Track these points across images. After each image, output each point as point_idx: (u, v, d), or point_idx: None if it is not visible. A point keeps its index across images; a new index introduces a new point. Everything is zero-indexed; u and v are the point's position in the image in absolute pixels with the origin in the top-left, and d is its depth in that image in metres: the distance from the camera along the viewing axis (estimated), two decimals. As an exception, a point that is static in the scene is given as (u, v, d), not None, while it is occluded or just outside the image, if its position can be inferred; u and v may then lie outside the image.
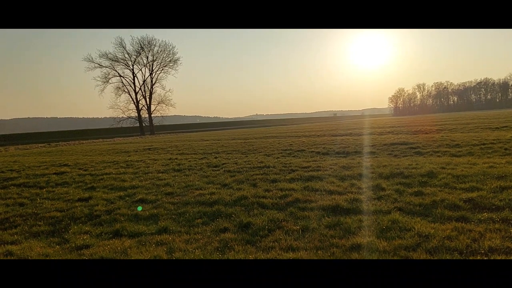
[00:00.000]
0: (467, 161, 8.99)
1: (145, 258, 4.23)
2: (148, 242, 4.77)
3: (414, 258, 3.70)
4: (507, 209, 4.96)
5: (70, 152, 23.66)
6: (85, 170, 12.45)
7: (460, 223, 4.58)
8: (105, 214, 6.37)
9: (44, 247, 4.89)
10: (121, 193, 7.92)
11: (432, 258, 3.65)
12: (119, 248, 4.62)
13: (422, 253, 3.78)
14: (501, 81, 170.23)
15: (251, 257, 4.05)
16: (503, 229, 4.27)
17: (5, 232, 5.74)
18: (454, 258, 3.49)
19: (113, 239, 5.02)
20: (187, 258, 4.15)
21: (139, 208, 5.90)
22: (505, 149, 10.83)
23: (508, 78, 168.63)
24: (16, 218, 6.47)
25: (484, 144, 12.30)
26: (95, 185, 9.30)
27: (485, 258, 3.55)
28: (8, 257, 4.59)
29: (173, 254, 4.28)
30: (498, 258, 3.53)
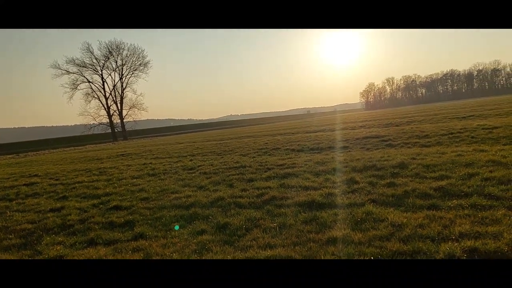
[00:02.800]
0: (436, 151, 9.26)
1: (145, 259, 4.18)
2: (124, 249, 4.69)
3: (388, 247, 3.79)
4: (475, 195, 5.14)
5: (40, 162, 22.97)
6: (57, 180, 12.12)
7: (431, 211, 4.72)
8: (79, 223, 6.21)
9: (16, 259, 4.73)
10: (95, 201, 7.75)
11: (431, 259, 3.73)
12: (94, 256, 4.52)
13: (396, 242, 3.87)
14: (466, 72, 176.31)
15: (229, 257, 4.05)
16: (472, 215, 4.42)
17: (-27, 248, 5.52)
18: (454, 258, 3.57)
19: (88, 248, 4.90)
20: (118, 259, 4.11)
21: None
22: (472, 137, 11.22)
23: (473, 68, 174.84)
24: (-15, 233, 6.23)
25: (452, 133, 12.71)
26: (67, 194, 9.06)
27: (485, 258, 3.62)
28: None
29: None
30: (469, 243, 3.65)
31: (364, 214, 4.82)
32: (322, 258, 3.74)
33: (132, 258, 4.34)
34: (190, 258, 4.11)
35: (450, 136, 12.15)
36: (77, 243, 5.16)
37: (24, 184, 11.69)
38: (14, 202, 8.86)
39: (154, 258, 4.27)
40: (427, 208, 4.86)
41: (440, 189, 5.62)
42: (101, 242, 5.10)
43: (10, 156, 38.85)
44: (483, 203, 4.75)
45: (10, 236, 5.87)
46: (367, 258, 3.64)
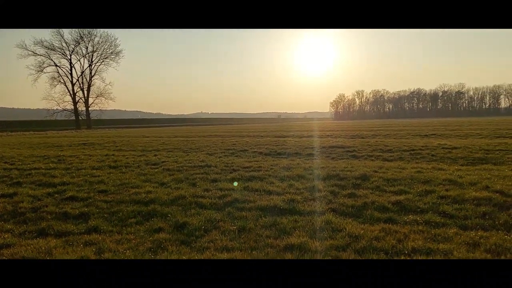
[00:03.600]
0: (397, 166, 9.52)
1: (145, 258, 4.04)
2: (76, 242, 4.50)
3: (343, 258, 3.83)
4: (430, 212, 5.30)
5: (-4, 145, 21.90)
6: (12, 164, 11.59)
7: (387, 224, 4.82)
8: (31, 211, 5.93)
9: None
10: (50, 190, 7.43)
11: (431, 258, 3.78)
12: (43, 248, 4.31)
13: (351, 253, 3.92)
14: (432, 92, 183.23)
15: (184, 257, 3.97)
16: (425, 231, 4.54)
17: None
18: (454, 258, 3.61)
19: (38, 238, 4.68)
20: (117, 258, 3.99)
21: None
22: (432, 155, 11.61)
23: (438, 89, 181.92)
24: None
25: (413, 150, 13.12)
26: (21, 180, 8.66)
27: (486, 258, 3.72)
28: None
29: (102, 255, 4.08)
30: (420, 258, 3.75)
31: (323, 223, 4.86)
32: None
33: (131, 259, 4.19)
34: (190, 259, 4.02)
35: (412, 152, 12.52)
36: (26, 232, 4.93)
37: (-25, 166, 11.09)
38: (-39, 184, 8.37)
39: (106, 254, 4.13)
40: (384, 221, 4.96)
41: (398, 204, 5.75)
42: (52, 233, 4.88)
43: (-36, 135, 36.83)
44: (437, 220, 4.90)
45: (-46, 221, 5.52)
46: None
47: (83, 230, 4.95)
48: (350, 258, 3.82)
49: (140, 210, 5.80)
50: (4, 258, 4.16)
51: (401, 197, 6.06)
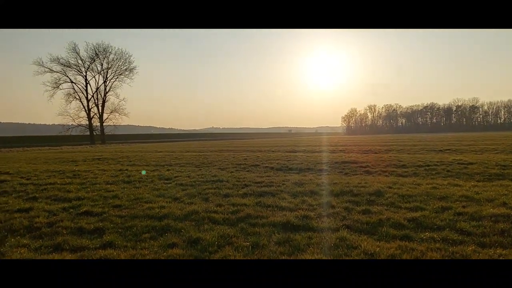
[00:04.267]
0: (412, 182, 9.40)
1: (145, 259, 4.06)
2: (91, 257, 4.54)
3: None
4: (447, 229, 5.21)
5: (13, 160, 22.31)
6: (28, 179, 11.76)
7: (404, 241, 4.75)
8: (46, 226, 6.00)
9: (-26, 261, 4.51)
10: (65, 205, 7.51)
11: (431, 259, 3.73)
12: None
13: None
14: (445, 106, 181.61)
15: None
16: (443, 248, 4.46)
17: None
18: (454, 258, 3.55)
19: (54, 253, 4.73)
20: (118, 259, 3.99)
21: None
22: (448, 171, 11.45)
23: (452, 104, 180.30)
24: None
25: (428, 165, 12.95)
26: (37, 195, 8.78)
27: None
28: None
29: (116, 271, 4.10)
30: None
31: (338, 240, 4.81)
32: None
33: (131, 259, 4.23)
34: (189, 259, 4.03)
35: (427, 168, 12.37)
36: (42, 247, 4.96)
37: (-8, 181, 11.29)
38: (-21, 199, 8.52)
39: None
40: (400, 239, 4.88)
41: (413, 220, 5.67)
42: (67, 248, 4.92)
43: (-19, 150, 37.61)
44: (455, 238, 4.81)
45: (-28, 235, 5.61)
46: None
47: (98, 245, 4.97)
48: (352, 258, 3.76)
49: (153, 225, 5.82)
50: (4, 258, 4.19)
51: (417, 214, 5.98)
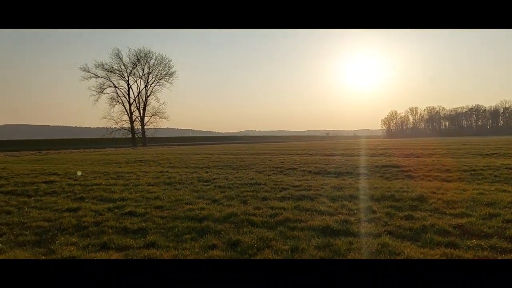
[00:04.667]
0: (457, 187, 9.05)
1: (145, 259, 4.17)
2: (136, 256, 4.69)
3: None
4: (495, 236, 4.98)
5: (61, 161, 23.44)
6: (75, 180, 12.32)
7: (449, 249, 4.58)
8: (93, 225, 6.26)
9: (30, 257, 4.78)
10: (110, 205, 7.82)
11: (431, 259, 3.63)
12: (105, 261, 4.53)
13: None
14: (492, 108, 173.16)
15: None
16: (491, 257, 4.28)
17: (-10, 240, 5.62)
18: (454, 258, 3.46)
19: (100, 252, 4.93)
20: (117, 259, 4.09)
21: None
22: (495, 176, 10.93)
23: (499, 105, 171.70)
24: (2, 227, 6.34)
25: (474, 170, 12.42)
26: (84, 195, 9.19)
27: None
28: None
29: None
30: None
31: (379, 246, 4.70)
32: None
33: (131, 259, 4.36)
34: (189, 259, 4.08)
35: (472, 173, 11.86)
36: (90, 246, 5.18)
37: (43, 182, 11.94)
38: (32, 198, 9.03)
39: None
40: (445, 246, 4.71)
41: (459, 227, 5.46)
42: (113, 246, 5.11)
43: (32, 152, 39.77)
44: (504, 246, 4.60)
45: (26, 232, 5.95)
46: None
47: (141, 245, 5.14)
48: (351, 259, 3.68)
49: (194, 227, 5.94)
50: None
51: (463, 220, 5.75)
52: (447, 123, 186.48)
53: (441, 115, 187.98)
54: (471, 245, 4.69)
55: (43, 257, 4.79)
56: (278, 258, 4.48)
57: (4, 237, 5.75)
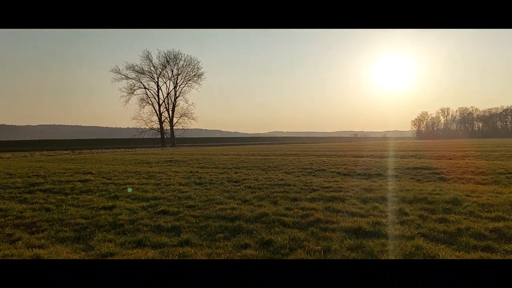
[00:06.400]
0: (492, 190, 8.80)
1: (144, 259, 4.26)
2: (171, 253, 4.83)
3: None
4: (535, 241, 4.84)
5: (94, 161, 24.16)
6: (109, 179, 12.71)
7: (485, 253, 4.49)
8: (128, 223, 6.47)
9: (70, 252, 5.00)
10: (144, 204, 8.05)
11: (431, 259, 3.59)
12: (143, 258, 4.69)
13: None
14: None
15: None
16: (531, 262, 4.16)
17: (33, 236, 5.90)
18: (454, 258, 3.41)
19: (137, 249, 5.09)
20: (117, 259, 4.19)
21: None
22: (533, 179, 10.54)
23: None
24: (43, 223, 6.65)
25: (510, 173, 12.01)
26: (118, 194, 9.48)
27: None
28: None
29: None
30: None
31: (413, 248, 4.66)
32: None
33: (131, 259, 4.48)
34: (189, 259, 4.13)
35: (508, 175, 11.47)
36: (126, 243, 5.37)
37: (78, 180, 12.37)
38: (69, 196, 9.40)
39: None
40: (481, 249, 4.63)
41: (496, 231, 5.33)
42: (149, 244, 5.28)
43: (66, 152, 41.24)
44: (544, 251, 4.46)
45: (65, 229, 6.22)
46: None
47: (175, 243, 5.28)
48: (352, 258, 3.63)
49: (226, 226, 6.04)
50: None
51: (500, 224, 5.60)
52: (480, 124, 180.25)
53: (474, 116, 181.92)
54: (509, 249, 4.59)
55: (82, 253, 5.00)
56: (311, 258, 4.51)
57: (45, 233, 6.03)
